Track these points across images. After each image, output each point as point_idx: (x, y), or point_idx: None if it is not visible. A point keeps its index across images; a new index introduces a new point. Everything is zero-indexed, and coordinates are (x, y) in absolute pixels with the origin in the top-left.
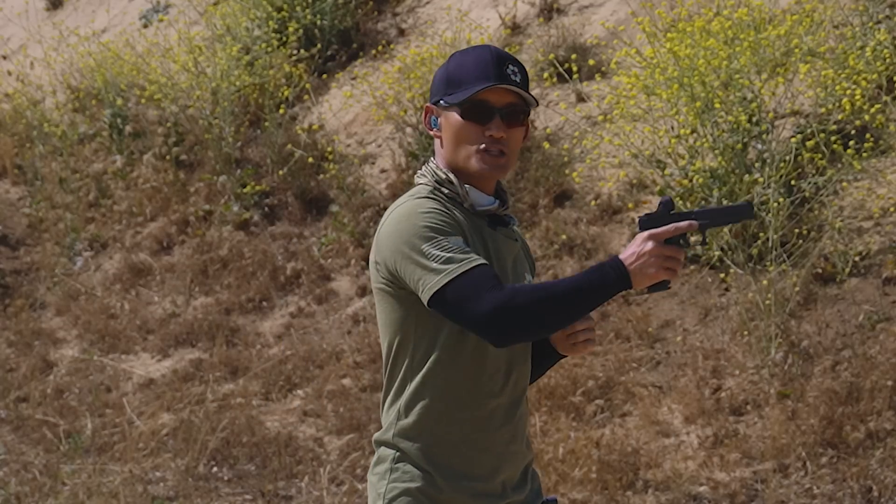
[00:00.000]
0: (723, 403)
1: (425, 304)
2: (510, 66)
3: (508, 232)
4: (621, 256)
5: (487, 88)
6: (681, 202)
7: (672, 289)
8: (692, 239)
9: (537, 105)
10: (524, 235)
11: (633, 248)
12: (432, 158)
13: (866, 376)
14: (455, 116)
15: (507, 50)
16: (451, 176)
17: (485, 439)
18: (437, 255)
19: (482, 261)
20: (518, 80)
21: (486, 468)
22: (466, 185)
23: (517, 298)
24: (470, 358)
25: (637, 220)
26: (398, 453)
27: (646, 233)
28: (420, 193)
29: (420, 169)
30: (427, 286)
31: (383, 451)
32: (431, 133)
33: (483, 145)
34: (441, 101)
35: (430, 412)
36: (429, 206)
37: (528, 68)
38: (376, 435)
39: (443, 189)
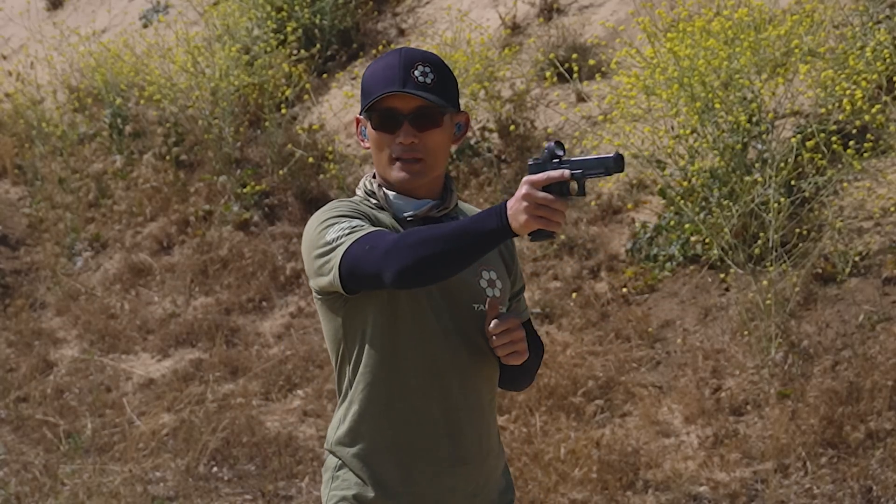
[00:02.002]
0: (723, 403)
1: (339, 285)
2: (420, 68)
3: None
4: (508, 203)
5: (389, 95)
6: (681, 202)
7: (672, 289)
8: (572, 187)
9: (451, 105)
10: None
11: (517, 194)
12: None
13: (866, 376)
14: (370, 127)
15: (506, 50)
16: (375, 186)
17: (421, 447)
18: (333, 237)
19: (381, 229)
20: (428, 81)
21: (426, 476)
22: (391, 193)
23: (408, 238)
24: (398, 358)
25: (529, 163)
26: (339, 461)
27: (524, 180)
28: (344, 202)
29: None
30: (333, 265)
31: (330, 458)
32: (363, 145)
33: (395, 153)
34: (362, 114)
35: (362, 417)
36: (330, 206)
37: (528, 68)
38: (325, 440)
39: (371, 200)
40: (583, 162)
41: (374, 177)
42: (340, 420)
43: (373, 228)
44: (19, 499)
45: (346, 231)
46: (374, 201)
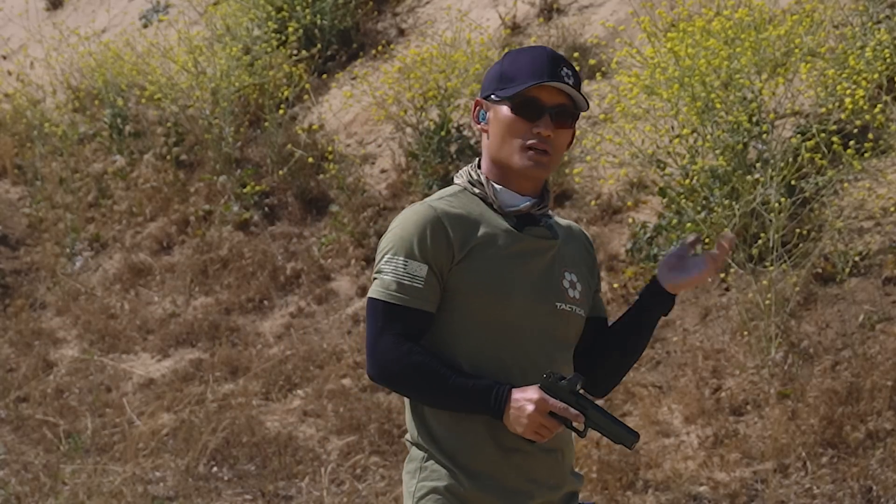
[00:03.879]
0: (723, 403)
1: None
2: (564, 69)
3: (541, 231)
4: (513, 392)
5: (539, 85)
6: (683, 201)
7: None
8: (577, 426)
9: (587, 108)
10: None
11: (525, 398)
12: (477, 160)
13: (866, 376)
14: (505, 111)
15: (506, 50)
16: (483, 178)
17: (510, 438)
18: (387, 271)
19: (418, 304)
20: (571, 83)
21: (513, 467)
22: (498, 186)
23: (398, 363)
24: (484, 354)
25: (548, 374)
26: (426, 453)
27: (540, 396)
28: (441, 194)
29: (461, 168)
30: (370, 287)
31: (414, 450)
32: (478, 127)
33: (530, 142)
34: (492, 96)
35: (449, 412)
36: (421, 219)
37: None
38: (407, 434)
39: (475, 189)
40: (601, 419)
41: (478, 166)
42: (424, 414)
43: (415, 304)
44: (19, 499)
45: (405, 281)
46: (478, 191)
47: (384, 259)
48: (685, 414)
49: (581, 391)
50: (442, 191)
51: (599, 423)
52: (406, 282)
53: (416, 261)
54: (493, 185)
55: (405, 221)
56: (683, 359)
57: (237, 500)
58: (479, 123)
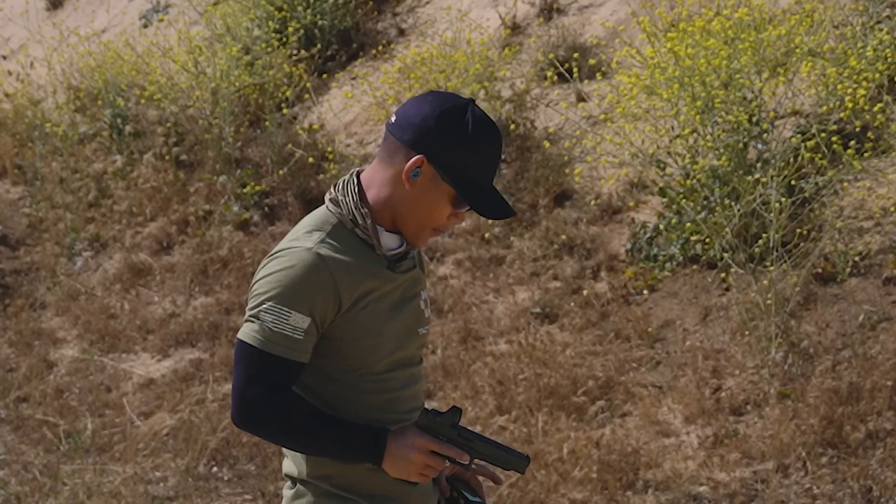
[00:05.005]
0: (723, 403)
1: None
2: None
3: (407, 264)
4: (389, 438)
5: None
6: (683, 201)
7: (672, 289)
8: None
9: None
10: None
11: (403, 441)
12: (354, 182)
13: (866, 376)
14: (445, 194)
15: (506, 50)
16: (369, 222)
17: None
18: (267, 319)
19: (295, 357)
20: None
21: (409, 488)
22: (380, 228)
23: (268, 413)
24: (354, 402)
25: (424, 412)
26: (317, 488)
27: (421, 440)
28: (320, 232)
29: (337, 188)
30: (241, 329)
31: (300, 487)
32: (405, 180)
33: (441, 225)
34: (446, 175)
35: None
36: (310, 270)
37: (528, 68)
38: (285, 468)
39: (356, 229)
40: (487, 448)
41: (361, 202)
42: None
43: (289, 356)
44: (19, 499)
45: (283, 331)
46: (359, 233)
47: (264, 306)
48: (685, 414)
49: (459, 424)
50: (316, 222)
51: (486, 452)
52: (287, 332)
53: (300, 313)
54: (377, 230)
55: (292, 268)
56: (683, 359)
57: (237, 500)
58: (409, 179)
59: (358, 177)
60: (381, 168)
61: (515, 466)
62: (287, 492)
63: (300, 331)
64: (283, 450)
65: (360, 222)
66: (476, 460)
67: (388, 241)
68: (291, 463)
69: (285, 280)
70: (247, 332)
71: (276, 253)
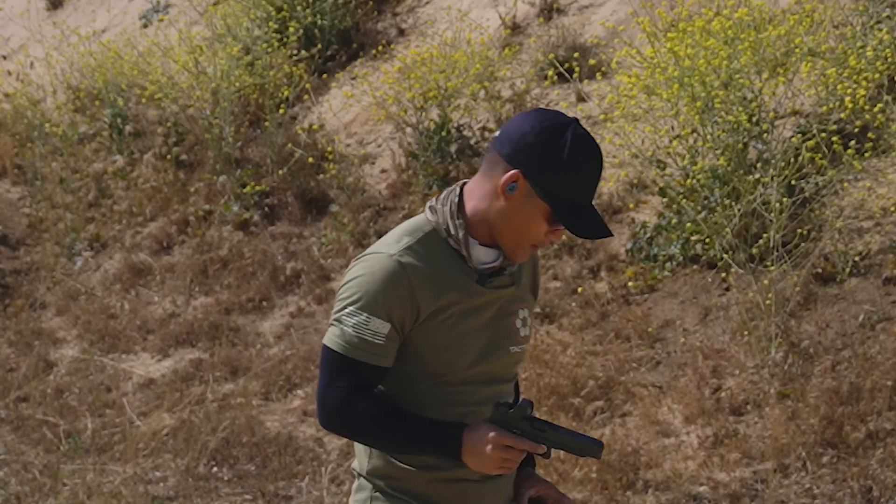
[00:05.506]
0: (723, 403)
1: None
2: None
3: (502, 280)
4: (466, 434)
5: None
6: (683, 201)
7: (672, 289)
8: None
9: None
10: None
11: (479, 437)
12: (456, 192)
13: (866, 376)
14: (541, 210)
15: (506, 50)
16: (462, 234)
17: (453, 472)
18: (348, 324)
19: (375, 361)
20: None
21: (462, 495)
22: (473, 241)
23: (347, 416)
24: (431, 410)
25: (496, 406)
26: (374, 485)
27: (494, 434)
28: (409, 237)
29: (439, 197)
30: (327, 333)
31: (363, 481)
32: (500, 194)
33: (540, 241)
34: (541, 192)
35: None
36: (389, 277)
37: (528, 68)
38: (355, 464)
39: (448, 239)
40: (560, 438)
41: (458, 213)
42: (371, 452)
43: (370, 361)
44: (19, 499)
45: (364, 336)
46: (451, 243)
47: (346, 310)
48: (685, 414)
49: (533, 415)
50: (410, 228)
51: (560, 441)
52: (367, 337)
53: (379, 318)
54: (469, 241)
55: (372, 274)
56: (683, 359)
57: (237, 500)
58: (505, 193)
59: (461, 187)
60: (482, 181)
61: (590, 452)
62: (354, 485)
63: (381, 336)
64: (354, 446)
65: (452, 233)
66: (552, 450)
67: (482, 254)
68: (357, 459)
69: (365, 286)
70: (330, 336)
71: (361, 257)
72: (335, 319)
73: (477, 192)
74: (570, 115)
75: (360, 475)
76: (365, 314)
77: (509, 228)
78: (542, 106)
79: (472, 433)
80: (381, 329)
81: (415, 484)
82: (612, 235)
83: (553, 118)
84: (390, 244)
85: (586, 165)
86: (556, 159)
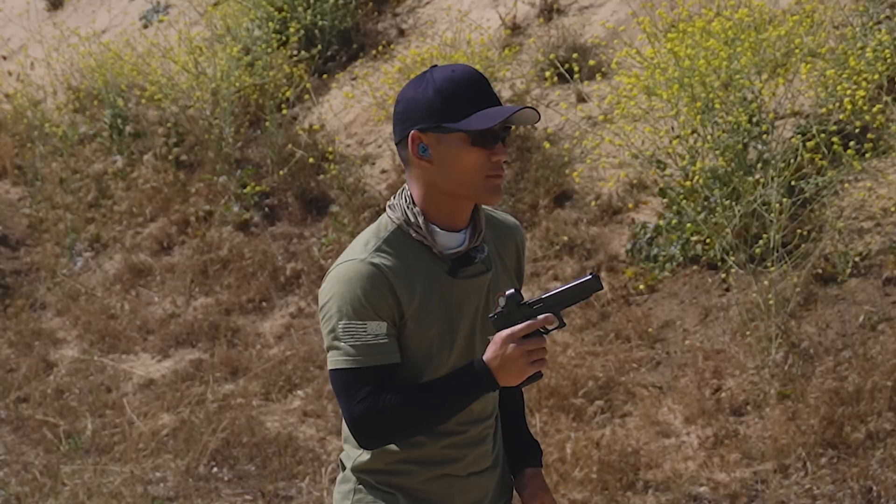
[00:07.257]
0: (723, 404)
1: None
2: (490, 89)
3: (475, 269)
4: (486, 358)
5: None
6: (683, 202)
7: (672, 289)
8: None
9: (538, 119)
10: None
11: (495, 349)
12: (407, 189)
13: (867, 377)
14: (460, 143)
15: (506, 50)
16: (421, 220)
17: (441, 469)
18: (346, 339)
19: (385, 360)
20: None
21: (451, 490)
22: (436, 229)
23: (382, 423)
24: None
25: (489, 317)
26: (358, 478)
27: (504, 334)
28: (376, 239)
29: (394, 196)
30: (328, 359)
31: (346, 474)
32: (419, 161)
33: (491, 172)
34: (443, 125)
35: (383, 451)
36: (365, 278)
37: (528, 69)
38: (342, 454)
39: (411, 231)
40: (561, 296)
41: (412, 201)
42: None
43: (377, 361)
44: (19, 499)
45: (365, 342)
46: (414, 234)
47: (339, 327)
48: (685, 414)
49: (525, 301)
50: (373, 231)
51: (561, 301)
52: (369, 342)
53: (373, 320)
54: (431, 228)
55: (349, 282)
56: (683, 359)
57: (237, 501)
58: (420, 158)
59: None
60: (409, 173)
61: (592, 289)
62: (339, 476)
63: (381, 335)
64: (343, 440)
65: (412, 220)
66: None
67: (446, 240)
68: (345, 451)
69: (347, 295)
70: (333, 359)
71: (332, 270)
72: (331, 342)
73: (412, 182)
74: (571, 115)
75: (345, 467)
76: (358, 321)
77: (454, 179)
78: (542, 107)
79: (488, 353)
80: (379, 329)
81: (401, 479)
82: (532, 109)
83: (410, 82)
84: (358, 250)
85: (457, 76)
86: (430, 95)
